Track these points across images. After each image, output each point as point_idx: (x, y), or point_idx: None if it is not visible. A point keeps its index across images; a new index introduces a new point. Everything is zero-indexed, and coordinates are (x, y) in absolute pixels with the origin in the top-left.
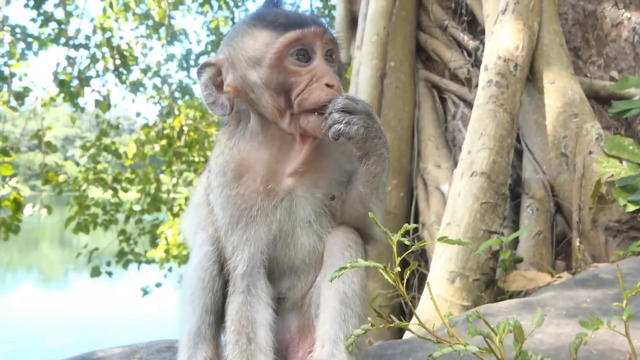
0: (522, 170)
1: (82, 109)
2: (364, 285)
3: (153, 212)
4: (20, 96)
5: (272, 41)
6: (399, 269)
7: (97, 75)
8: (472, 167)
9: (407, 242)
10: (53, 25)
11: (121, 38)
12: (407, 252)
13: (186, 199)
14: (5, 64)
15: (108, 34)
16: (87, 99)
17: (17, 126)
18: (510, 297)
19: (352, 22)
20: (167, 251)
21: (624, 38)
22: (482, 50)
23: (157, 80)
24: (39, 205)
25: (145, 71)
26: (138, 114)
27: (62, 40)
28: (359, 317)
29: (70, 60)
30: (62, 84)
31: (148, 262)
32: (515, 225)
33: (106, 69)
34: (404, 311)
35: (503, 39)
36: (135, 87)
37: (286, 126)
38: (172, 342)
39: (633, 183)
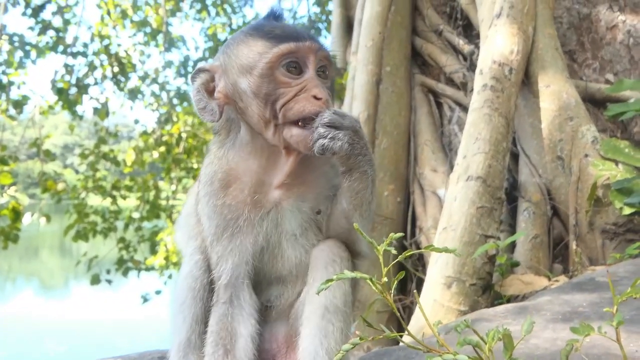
0: (518, 173)
1: (81, 117)
2: (346, 299)
3: (152, 219)
4: (19, 104)
5: (266, 51)
6: (385, 279)
7: (96, 83)
8: (468, 172)
9: (393, 251)
10: (51, 33)
11: (119, 45)
12: (393, 262)
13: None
14: (4, 72)
15: (106, 42)
16: (86, 107)
17: (16, 134)
18: (508, 301)
19: (348, 27)
20: (166, 258)
21: (619, 41)
22: (477, 55)
23: (156, 87)
24: (38, 214)
25: (143, 78)
26: (136, 121)
27: (60, 48)
28: (341, 331)
29: (69, 68)
30: (61, 92)
31: (148, 269)
32: (512, 229)
33: (104, 77)
34: (403, 316)
35: (498, 43)
36: (134, 94)
37: (270, 137)
38: (164, 352)
39: (629, 186)
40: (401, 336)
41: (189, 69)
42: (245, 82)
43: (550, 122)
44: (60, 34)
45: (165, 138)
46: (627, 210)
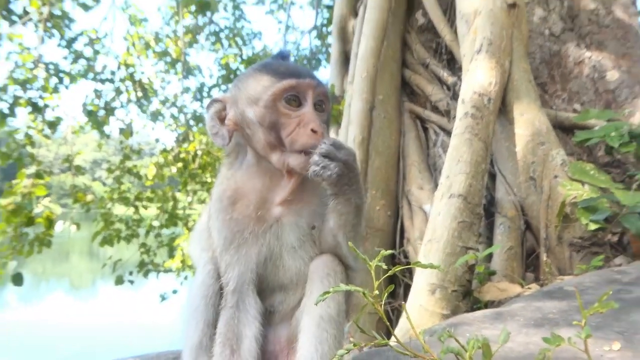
0: (496, 192)
1: (108, 136)
2: (340, 310)
3: (170, 227)
4: (53, 125)
5: (271, 85)
6: (377, 292)
7: (121, 106)
8: (451, 190)
9: (384, 267)
10: (82, 62)
11: (142, 73)
12: (384, 277)
13: (200, 215)
14: (40, 96)
15: (131, 70)
16: (112, 127)
17: (50, 151)
18: (485, 306)
19: (346, 60)
20: (182, 261)
21: (585, 75)
22: (460, 86)
23: (174, 110)
24: (69, 222)
25: (163, 102)
26: (157, 140)
27: (91, 75)
28: (334, 338)
29: (98, 93)
30: (90, 114)
31: (166, 271)
32: (489, 242)
33: (129, 100)
34: (392, 318)
35: (478, 75)
36: (155, 116)
37: (275, 161)
38: (178, 352)
39: (594, 204)
40: (389, 343)
41: (204, 94)
42: (252, 111)
43: (524, 146)
44: (91, 63)
45: (182, 155)
46: (592, 226)
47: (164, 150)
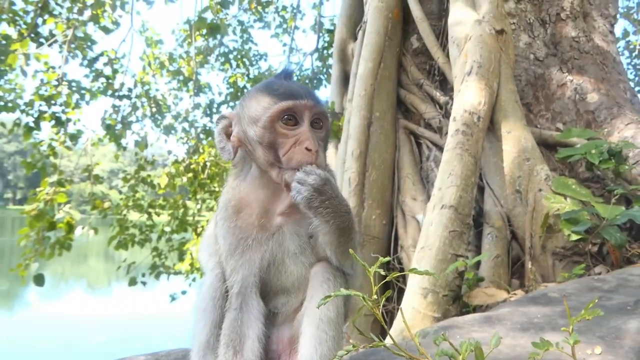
0: (484, 203)
1: (124, 148)
2: (338, 312)
3: (181, 232)
4: (74, 137)
5: (269, 106)
6: (376, 296)
7: (137, 120)
8: (442, 201)
9: (382, 273)
10: (102, 80)
11: (157, 90)
12: (381, 283)
13: (208, 221)
14: (63, 111)
15: (146, 87)
16: (129, 140)
17: (71, 162)
18: (474, 310)
19: (345, 80)
20: (191, 264)
21: (567, 96)
22: (451, 105)
23: (186, 125)
24: (87, 227)
25: (176, 117)
26: (169, 152)
27: (109, 92)
28: (333, 339)
29: (115, 108)
30: (109, 128)
31: (176, 273)
32: (478, 250)
33: (144, 115)
34: (386, 320)
35: (468, 95)
36: (168, 130)
37: (274, 177)
38: (187, 350)
39: (576, 216)
40: (385, 345)
41: (214, 110)
42: (252, 131)
43: (511, 162)
44: (110, 81)
45: (192, 166)
46: (574, 237)
47: (176, 162)
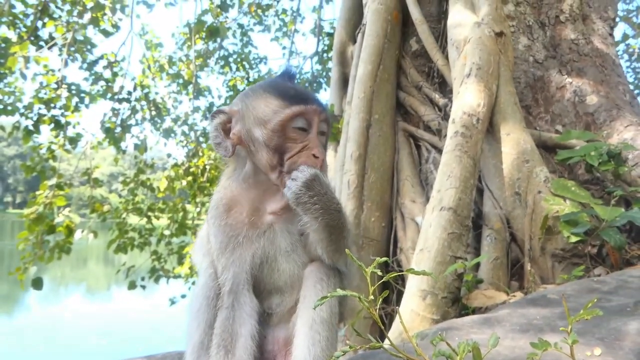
0: (483, 205)
1: (124, 151)
2: (332, 312)
3: (180, 236)
4: (74, 141)
5: (280, 110)
6: (372, 297)
7: (137, 124)
8: (442, 203)
9: (379, 273)
10: (102, 83)
11: (156, 93)
12: (379, 283)
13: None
14: (62, 114)
15: (146, 90)
16: (128, 143)
17: (71, 165)
18: (473, 312)
19: (344, 82)
20: (191, 268)
21: (567, 99)
22: (450, 107)
23: (185, 128)
24: (87, 230)
25: (175, 120)
26: (169, 155)
27: (109, 95)
28: (327, 339)
29: (115, 112)
30: (108, 131)
31: (175, 277)
32: (477, 252)
33: (144, 119)
34: (385, 322)
35: (467, 97)
36: (167, 133)
37: (274, 179)
38: (183, 353)
39: (575, 218)
40: (382, 346)
41: None
42: (259, 132)
43: (510, 164)
44: (109, 84)
45: (192, 169)
46: (573, 239)
47: (175, 165)
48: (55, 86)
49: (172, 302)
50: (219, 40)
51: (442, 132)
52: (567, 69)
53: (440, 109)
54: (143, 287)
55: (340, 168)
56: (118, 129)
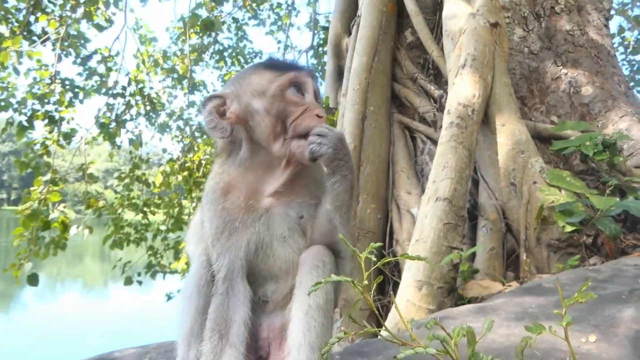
0: (479, 196)
1: (119, 147)
2: (328, 298)
3: (176, 231)
4: (68, 136)
5: (275, 78)
6: (366, 282)
7: (131, 119)
8: (437, 194)
9: (373, 259)
10: (96, 78)
11: (151, 88)
12: (373, 268)
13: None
14: (56, 110)
15: (141, 85)
16: (123, 138)
17: (66, 161)
18: (469, 302)
19: (339, 74)
20: (187, 263)
21: (562, 90)
22: (446, 98)
23: (181, 123)
24: (82, 226)
25: (170, 115)
26: (164, 150)
27: (103, 90)
28: (322, 325)
29: (109, 107)
30: (103, 126)
31: (172, 272)
32: (473, 242)
33: (138, 114)
34: (381, 313)
35: (462, 88)
36: (163, 128)
37: (278, 149)
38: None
39: (570, 208)
40: (380, 331)
41: None
42: (259, 102)
43: (505, 155)
44: (104, 79)
45: (187, 164)
46: (569, 228)
47: (171, 160)
48: (49, 81)
49: (169, 298)
50: (213, 34)
51: (438, 124)
52: (562, 60)
53: (436, 100)
54: (139, 282)
55: None
56: (113, 124)
